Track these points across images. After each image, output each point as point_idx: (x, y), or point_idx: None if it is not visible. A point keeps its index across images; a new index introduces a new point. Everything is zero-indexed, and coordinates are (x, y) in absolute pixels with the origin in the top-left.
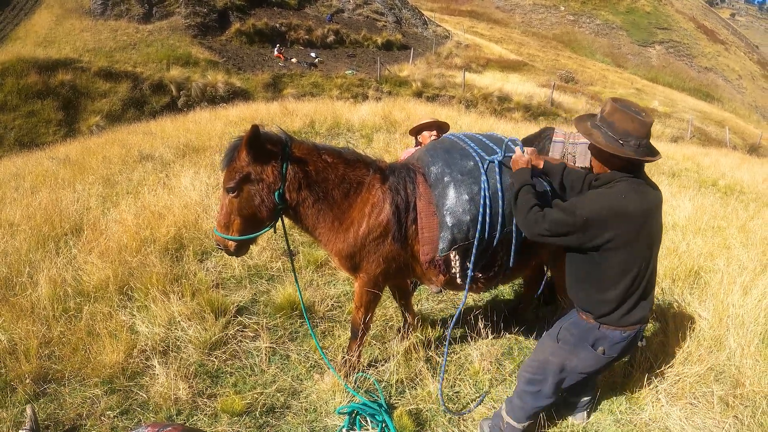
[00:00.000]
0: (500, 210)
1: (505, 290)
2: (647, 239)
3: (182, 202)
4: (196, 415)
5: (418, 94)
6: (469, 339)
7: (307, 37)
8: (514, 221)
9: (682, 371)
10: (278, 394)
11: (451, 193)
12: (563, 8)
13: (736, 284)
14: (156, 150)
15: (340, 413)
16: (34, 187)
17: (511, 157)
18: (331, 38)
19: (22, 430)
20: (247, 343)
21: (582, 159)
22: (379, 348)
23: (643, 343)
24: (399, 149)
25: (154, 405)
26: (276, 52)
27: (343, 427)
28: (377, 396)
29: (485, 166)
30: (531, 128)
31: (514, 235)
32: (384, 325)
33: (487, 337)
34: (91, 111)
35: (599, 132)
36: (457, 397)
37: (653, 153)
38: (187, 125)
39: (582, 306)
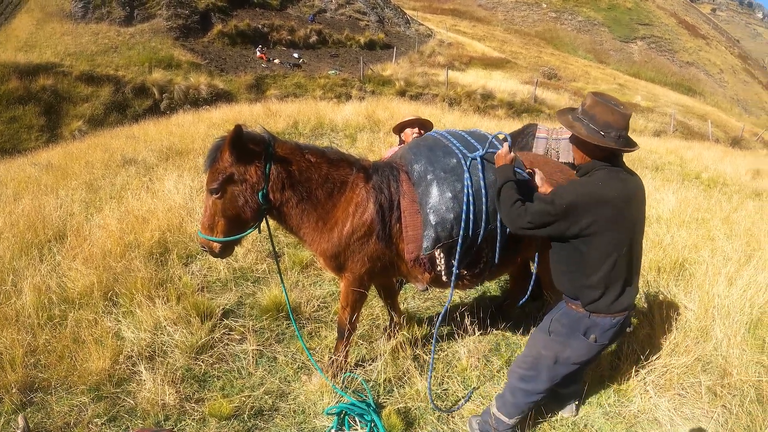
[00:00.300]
0: (484, 207)
1: (492, 287)
2: (628, 223)
3: (166, 206)
4: (184, 420)
5: (402, 93)
6: (456, 336)
7: (289, 37)
8: (498, 217)
9: (669, 362)
10: (266, 397)
11: (435, 191)
12: (545, 5)
13: (720, 275)
14: (139, 154)
15: (328, 414)
16: (16, 193)
17: (494, 153)
18: (314, 38)
19: None
20: (233, 346)
21: (565, 154)
22: (366, 347)
23: (630, 328)
24: (383, 148)
25: (142, 411)
26: (259, 53)
27: (332, 427)
28: (365, 396)
29: (468, 164)
30: (515, 125)
31: (498, 231)
32: (371, 324)
33: (474, 333)
34: (73, 116)
35: (581, 124)
36: (445, 394)
37: (631, 144)
38: (170, 128)
39: (569, 294)
